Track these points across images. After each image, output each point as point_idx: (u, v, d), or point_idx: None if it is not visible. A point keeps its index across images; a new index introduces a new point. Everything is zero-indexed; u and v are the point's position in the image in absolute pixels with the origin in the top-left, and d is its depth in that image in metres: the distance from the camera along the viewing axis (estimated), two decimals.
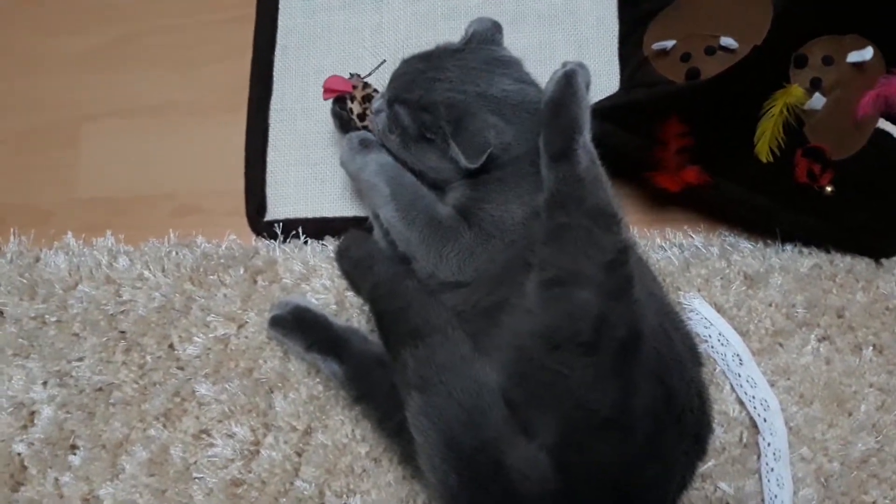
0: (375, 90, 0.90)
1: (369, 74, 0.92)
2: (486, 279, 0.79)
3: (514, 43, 0.98)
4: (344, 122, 0.90)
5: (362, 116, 0.89)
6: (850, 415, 0.87)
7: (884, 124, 0.90)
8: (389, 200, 0.83)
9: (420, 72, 0.84)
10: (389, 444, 0.85)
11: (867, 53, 0.89)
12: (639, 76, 0.95)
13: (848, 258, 0.91)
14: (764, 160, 0.88)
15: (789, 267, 0.91)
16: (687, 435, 0.72)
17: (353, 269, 0.89)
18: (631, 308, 0.70)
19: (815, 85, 0.89)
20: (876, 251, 0.92)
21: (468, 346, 0.73)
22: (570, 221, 0.73)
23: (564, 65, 0.82)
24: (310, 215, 0.99)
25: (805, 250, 0.92)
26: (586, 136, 0.78)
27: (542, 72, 0.89)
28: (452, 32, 0.98)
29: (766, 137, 0.88)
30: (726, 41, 0.90)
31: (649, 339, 0.70)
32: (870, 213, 0.90)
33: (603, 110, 0.87)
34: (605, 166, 0.80)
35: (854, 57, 0.89)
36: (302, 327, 0.89)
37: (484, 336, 0.74)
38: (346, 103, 0.89)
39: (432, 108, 0.81)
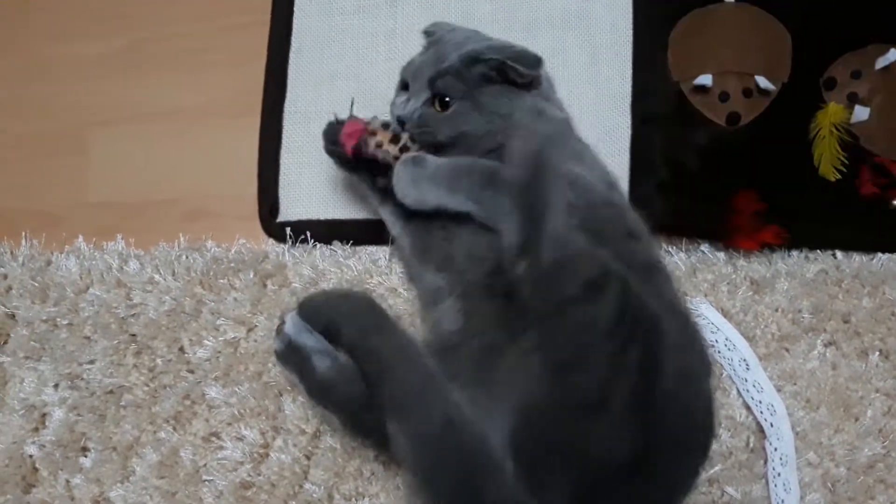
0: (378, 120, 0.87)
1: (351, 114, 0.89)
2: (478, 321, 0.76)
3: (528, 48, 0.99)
4: (362, 161, 0.87)
5: (396, 139, 0.84)
6: (856, 420, 0.87)
7: None
8: (477, 186, 0.78)
9: (436, 51, 0.86)
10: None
11: (893, 55, 0.92)
12: (677, 113, 0.96)
13: (854, 263, 0.92)
14: (832, 179, 0.91)
15: (795, 272, 0.92)
16: (697, 447, 0.72)
17: (325, 328, 0.80)
18: (642, 343, 0.66)
19: (852, 99, 0.93)
20: None
21: (453, 407, 0.69)
22: (560, 317, 0.68)
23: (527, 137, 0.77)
24: (322, 217, 1.00)
25: (811, 255, 0.93)
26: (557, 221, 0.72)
27: (556, 78, 0.90)
28: None
29: (826, 157, 0.91)
30: (762, 82, 0.93)
31: (669, 360, 0.67)
32: None
33: (672, 185, 0.90)
34: (680, 235, 0.92)
35: (882, 62, 0.93)
36: (296, 368, 0.82)
37: (483, 388, 0.71)
38: (367, 143, 0.85)
39: (477, 56, 0.83)
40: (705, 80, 0.95)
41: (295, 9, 1.06)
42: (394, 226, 0.90)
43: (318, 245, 0.99)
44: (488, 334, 0.75)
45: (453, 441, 0.68)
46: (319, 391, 0.81)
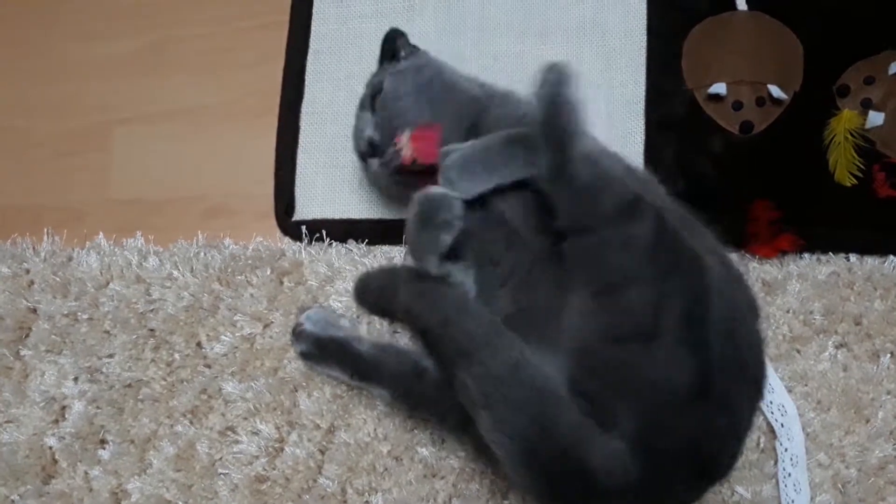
0: None
1: None
2: (529, 281, 0.78)
3: (542, 56, 0.98)
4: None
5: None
6: (867, 422, 0.87)
7: None
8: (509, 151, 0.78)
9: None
10: (456, 439, 0.88)
11: None
12: (691, 121, 0.97)
13: (867, 266, 0.92)
14: (848, 184, 0.92)
15: (807, 274, 0.92)
16: (749, 380, 0.71)
17: (379, 300, 0.91)
18: (686, 272, 0.68)
19: (866, 105, 0.94)
20: None
21: (518, 351, 0.71)
22: (598, 235, 0.70)
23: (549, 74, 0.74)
24: (337, 216, 1.01)
25: (823, 258, 0.93)
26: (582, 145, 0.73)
27: None
28: (479, 43, 1.02)
29: (842, 163, 0.92)
30: (775, 92, 0.94)
31: (716, 292, 0.68)
32: None
33: (687, 192, 0.89)
34: None
35: (895, 68, 0.93)
36: (333, 358, 0.89)
37: (541, 333, 0.73)
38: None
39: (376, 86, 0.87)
40: (719, 88, 0.96)
41: (314, 12, 1.08)
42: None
43: (334, 243, 1.00)
44: (542, 307, 0.76)
45: (524, 378, 0.69)
46: (370, 370, 0.86)
